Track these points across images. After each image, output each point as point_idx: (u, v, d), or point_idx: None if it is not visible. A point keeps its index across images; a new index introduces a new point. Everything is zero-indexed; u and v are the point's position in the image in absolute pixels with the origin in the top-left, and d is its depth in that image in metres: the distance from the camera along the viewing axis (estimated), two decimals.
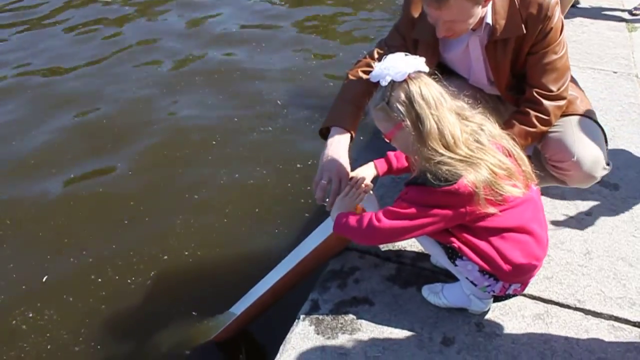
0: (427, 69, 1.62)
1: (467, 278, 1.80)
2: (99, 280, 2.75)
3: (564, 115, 2.06)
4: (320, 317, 1.95)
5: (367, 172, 2.02)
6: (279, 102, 4.26)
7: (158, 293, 2.67)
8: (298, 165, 3.54)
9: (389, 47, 2.10)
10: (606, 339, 1.85)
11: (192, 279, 2.73)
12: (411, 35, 2.07)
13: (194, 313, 2.55)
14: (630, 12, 4.91)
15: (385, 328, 1.89)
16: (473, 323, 1.91)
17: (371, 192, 1.96)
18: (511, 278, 1.76)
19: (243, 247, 2.91)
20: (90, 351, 2.43)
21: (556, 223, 2.35)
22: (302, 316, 1.96)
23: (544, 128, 2.00)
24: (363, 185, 1.93)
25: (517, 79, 2.04)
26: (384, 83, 1.60)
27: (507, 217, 1.66)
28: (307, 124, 4.00)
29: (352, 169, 2.02)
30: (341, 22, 5.88)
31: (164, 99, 4.36)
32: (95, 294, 2.68)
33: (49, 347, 2.44)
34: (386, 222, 1.67)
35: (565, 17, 3.91)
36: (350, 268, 2.16)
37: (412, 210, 1.63)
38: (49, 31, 5.75)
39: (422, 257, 2.18)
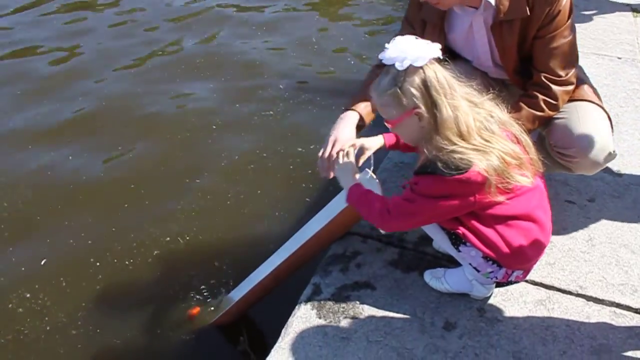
0: (441, 55, 1.58)
1: (470, 264, 1.79)
2: (98, 263, 2.75)
3: (569, 100, 2.04)
4: (322, 301, 1.95)
5: (373, 142, 2.00)
6: (280, 86, 4.24)
7: (157, 277, 2.67)
8: (299, 149, 3.52)
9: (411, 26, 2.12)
10: (608, 326, 1.85)
11: (192, 263, 2.73)
12: (418, 18, 2.06)
13: (193, 297, 2.55)
14: None
15: (387, 312, 1.89)
16: (475, 308, 1.91)
17: (373, 175, 1.94)
18: (514, 265, 1.76)
19: (243, 231, 2.90)
20: (88, 334, 2.43)
21: (559, 209, 2.34)
22: (303, 300, 1.96)
23: (551, 113, 1.99)
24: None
25: (524, 63, 2.02)
26: (401, 67, 1.55)
27: (514, 205, 1.65)
28: (309, 107, 3.98)
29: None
30: (343, 5, 5.83)
31: (163, 83, 4.33)
32: (94, 278, 2.68)
33: (47, 328, 2.45)
34: (396, 216, 1.68)
35: None
36: (352, 252, 2.15)
37: (422, 203, 1.62)
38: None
39: (425, 241, 2.17)
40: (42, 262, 2.76)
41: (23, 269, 2.74)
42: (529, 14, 1.88)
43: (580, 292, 1.96)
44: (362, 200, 1.78)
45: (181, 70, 4.53)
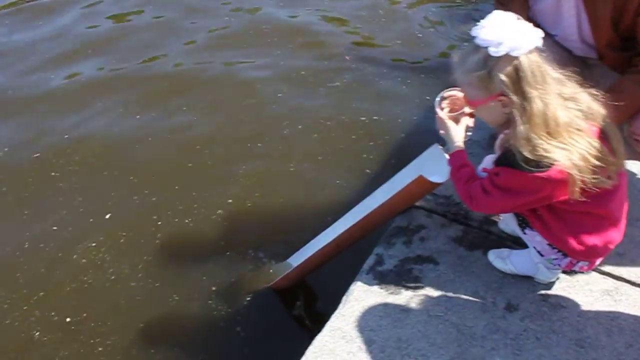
0: (541, 44, 1.48)
1: (534, 247, 1.76)
2: (160, 222, 2.84)
3: None
4: (384, 272, 1.96)
5: None
6: (347, 57, 4.20)
7: (216, 237, 2.74)
8: (362, 118, 3.51)
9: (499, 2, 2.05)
10: None
11: (252, 225, 2.79)
12: None
13: (254, 259, 2.61)
14: None
15: (448, 288, 1.89)
16: (538, 292, 1.88)
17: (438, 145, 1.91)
18: (580, 257, 1.71)
19: (304, 198, 2.94)
20: (147, 287, 2.53)
21: (632, 200, 2.22)
22: (366, 270, 1.98)
23: None
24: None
25: (622, 39, 1.92)
26: (495, 53, 1.44)
27: (592, 202, 1.56)
28: (375, 78, 3.95)
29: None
30: None
31: (229, 52, 4.34)
32: (155, 234, 2.78)
33: (109, 279, 2.57)
34: (475, 203, 1.67)
35: None
36: (416, 226, 2.14)
37: (499, 197, 1.59)
38: None
39: (490, 220, 2.14)
40: (107, 216, 2.87)
41: (91, 220, 2.86)
42: None
43: None
44: (456, 174, 1.76)
45: (248, 39, 4.50)
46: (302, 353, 1.77)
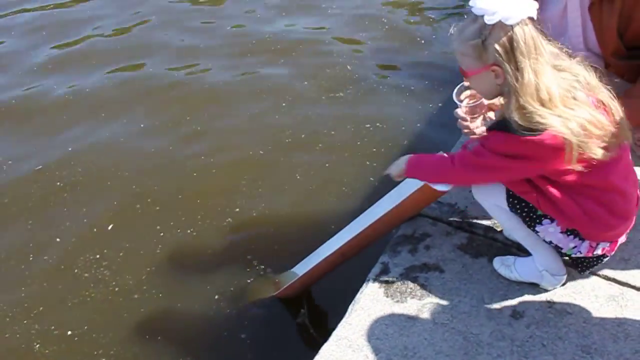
0: (536, 16, 1.50)
1: (551, 242, 1.75)
2: (163, 232, 2.84)
3: None
4: (390, 280, 1.97)
5: None
6: (348, 67, 4.21)
7: (221, 247, 2.75)
8: (367, 125, 3.52)
9: None
10: None
11: (257, 235, 2.80)
12: None
13: (258, 269, 2.62)
14: None
15: (454, 296, 1.89)
16: (544, 299, 1.88)
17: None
18: (596, 235, 1.69)
19: (309, 207, 2.95)
20: (151, 299, 2.53)
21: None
22: (371, 278, 1.98)
23: None
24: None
25: (628, 48, 1.94)
26: (489, 21, 1.47)
27: (592, 174, 1.56)
28: (378, 87, 3.96)
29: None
30: None
31: (231, 62, 4.35)
32: (159, 244, 2.78)
33: (112, 291, 2.57)
34: (459, 167, 1.66)
35: None
36: (421, 234, 2.15)
37: (490, 159, 1.59)
38: None
39: (495, 228, 2.15)
40: (110, 227, 2.87)
41: (94, 230, 2.87)
42: None
43: None
44: (418, 163, 1.79)
45: (251, 51, 4.52)
46: None
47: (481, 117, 1.84)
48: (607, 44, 1.94)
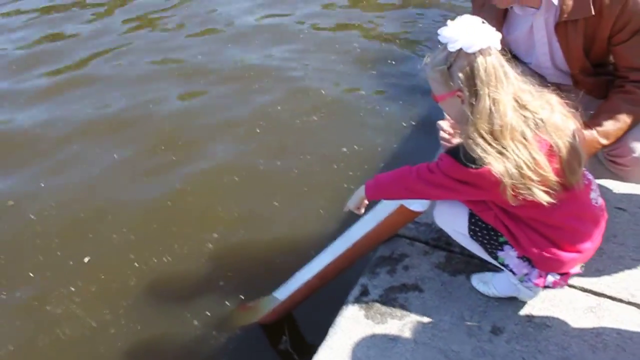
0: (499, 47, 1.55)
1: (507, 266, 1.78)
2: (139, 262, 2.81)
3: None
4: (370, 302, 1.97)
5: None
6: (322, 91, 4.25)
7: (199, 276, 2.72)
8: (343, 149, 3.54)
9: None
10: None
11: (235, 262, 2.78)
12: (479, 17, 2.06)
13: (238, 295, 2.60)
14: None
15: (434, 315, 1.90)
16: (523, 313, 1.90)
17: None
18: (545, 268, 1.73)
19: (288, 232, 2.94)
20: (129, 332, 2.48)
21: (609, 216, 2.25)
22: (351, 300, 1.99)
23: None
24: None
25: (594, 66, 1.99)
26: (452, 49, 1.54)
27: (539, 211, 1.60)
28: (353, 109, 4.01)
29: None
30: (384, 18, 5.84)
31: (203, 93, 4.36)
32: (136, 275, 2.75)
33: (88, 327, 2.51)
34: (418, 179, 1.71)
35: None
36: (399, 254, 2.16)
37: (440, 178, 1.64)
38: None
39: None
40: (86, 260, 2.84)
41: (70, 263, 2.83)
42: (593, 13, 1.84)
43: (631, 300, 1.93)
44: (377, 183, 1.85)
45: (222, 77, 4.54)
46: None
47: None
48: (574, 62, 1.99)
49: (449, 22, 1.57)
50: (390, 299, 1.97)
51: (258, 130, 3.79)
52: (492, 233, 1.75)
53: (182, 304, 2.59)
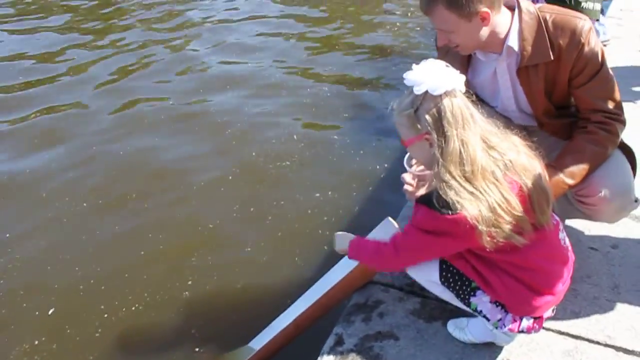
0: (464, 89, 1.58)
1: (480, 312, 1.76)
2: (107, 313, 2.73)
3: None
4: (345, 351, 1.92)
5: None
6: (294, 136, 4.27)
7: (170, 328, 2.65)
8: (316, 195, 3.53)
9: None
10: None
11: (209, 312, 2.72)
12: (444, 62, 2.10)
13: (213, 347, 2.52)
14: None
15: None
16: (500, 359, 1.87)
17: (394, 222, 1.95)
18: (518, 311, 1.73)
19: (262, 280, 2.89)
20: None
21: (582, 256, 2.30)
22: (326, 351, 1.94)
23: (610, 151, 1.97)
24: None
25: (557, 107, 2.03)
26: (417, 92, 1.55)
27: (512, 253, 1.61)
28: (325, 153, 4.02)
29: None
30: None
31: (172, 140, 4.33)
32: (104, 325, 2.66)
33: None
34: (394, 253, 1.72)
35: None
36: (374, 301, 2.13)
37: (418, 238, 1.64)
38: None
39: None
40: (50, 312, 2.74)
41: (36, 314, 2.73)
42: (552, 58, 1.90)
43: (608, 342, 1.92)
44: (358, 248, 1.88)
45: (186, 124, 4.53)
46: None
47: (427, 185, 1.87)
48: (538, 105, 2.03)
49: (414, 66, 1.60)
50: (366, 348, 1.93)
51: (230, 177, 3.77)
52: (464, 279, 1.74)
53: (153, 355, 2.51)
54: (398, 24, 6.63)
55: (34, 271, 3.02)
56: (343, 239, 1.97)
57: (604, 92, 1.94)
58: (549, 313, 1.79)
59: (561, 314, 2.02)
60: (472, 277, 1.71)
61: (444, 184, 1.52)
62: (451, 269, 1.74)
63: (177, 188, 3.69)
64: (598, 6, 3.14)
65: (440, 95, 1.53)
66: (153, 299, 2.79)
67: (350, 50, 5.96)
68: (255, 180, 3.75)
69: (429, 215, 1.56)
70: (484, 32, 1.89)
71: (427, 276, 1.82)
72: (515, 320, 1.74)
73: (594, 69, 1.91)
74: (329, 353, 1.93)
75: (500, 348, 1.90)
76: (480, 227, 1.49)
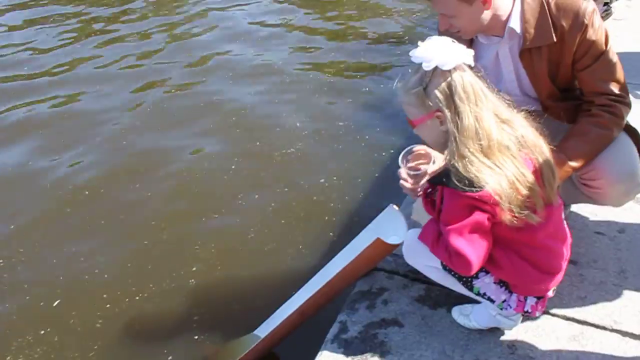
0: (473, 63, 1.56)
1: (485, 295, 1.75)
2: (112, 302, 2.73)
3: None
4: (349, 339, 1.92)
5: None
6: (297, 124, 4.24)
7: (178, 316, 2.65)
8: (321, 181, 3.52)
9: None
10: None
11: (214, 301, 2.72)
12: None
13: (218, 335, 2.53)
14: None
15: (415, 350, 1.85)
16: (506, 345, 1.86)
17: (393, 206, 1.93)
18: (523, 288, 1.72)
19: (266, 268, 2.88)
20: None
21: (588, 241, 2.29)
22: (330, 339, 1.94)
23: (616, 133, 1.95)
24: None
25: (561, 90, 2.00)
26: (427, 67, 1.52)
27: (522, 231, 1.59)
28: (330, 141, 3.99)
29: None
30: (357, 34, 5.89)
31: (177, 129, 4.32)
32: (109, 314, 2.66)
33: None
34: (455, 248, 1.57)
35: None
36: (378, 289, 2.12)
37: (467, 217, 1.54)
38: None
39: None
40: (55, 304, 2.74)
41: (39, 307, 2.73)
42: (555, 40, 1.87)
43: (614, 327, 1.90)
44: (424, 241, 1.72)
45: (194, 116, 4.50)
46: None
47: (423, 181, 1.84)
48: (542, 88, 2.01)
49: (419, 43, 1.57)
50: (370, 335, 1.92)
51: (234, 166, 3.75)
52: None
53: (158, 344, 2.51)
54: (402, 10, 6.56)
55: (38, 263, 3.02)
56: (424, 213, 1.81)
57: (608, 74, 1.92)
58: (549, 293, 1.79)
59: (567, 299, 2.00)
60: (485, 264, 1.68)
61: (465, 159, 1.49)
62: None
63: (180, 177, 3.68)
64: None
65: (450, 71, 1.51)
66: (157, 288, 2.79)
67: (354, 37, 5.89)
68: (260, 167, 3.73)
69: (454, 195, 1.53)
70: (486, 15, 1.87)
71: (427, 261, 1.80)
72: (520, 300, 1.74)
73: (598, 51, 1.88)
74: (333, 341, 1.92)
75: (506, 334, 1.88)
76: (502, 203, 1.48)
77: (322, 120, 4.29)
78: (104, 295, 2.76)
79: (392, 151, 3.76)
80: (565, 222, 1.77)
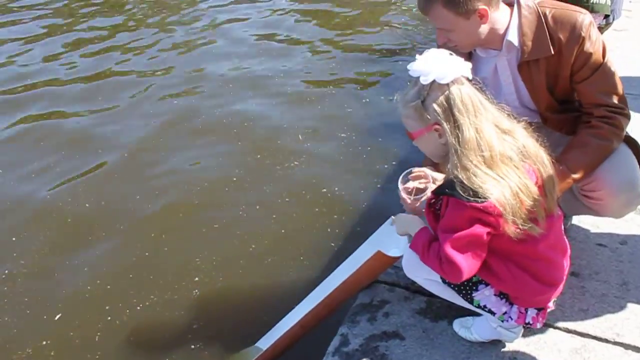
0: (470, 76, 1.57)
1: (485, 307, 1.75)
2: (113, 314, 2.72)
3: None
4: (350, 352, 1.91)
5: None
6: (300, 136, 4.24)
7: (180, 328, 2.64)
8: (323, 191, 3.53)
9: None
10: None
11: (215, 313, 2.71)
12: None
13: (220, 347, 2.52)
14: None
15: None
16: (507, 357, 1.85)
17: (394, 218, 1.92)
18: (523, 300, 1.72)
19: (268, 280, 2.88)
20: None
21: (590, 253, 2.29)
22: (331, 352, 1.93)
23: (616, 145, 1.95)
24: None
25: (560, 102, 2.01)
26: (424, 81, 1.53)
27: (523, 243, 1.58)
28: (333, 153, 3.99)
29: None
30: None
31: (178, 140, 4.32)
32: (110, 326, 2.65)
33: None
34: (448, 256, 1.55)
35: None
36: (379, 301, 2.12)
37: (467, 229, 1.53)
38: None
39: None
40: (57, 317, 2.73)
41: (43, 318, 2.72)
42: (552, 52, 1.88)
43: (617, 339, 1.89)
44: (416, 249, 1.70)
45: (195, 130, 4.49)
46: None
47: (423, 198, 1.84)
48: (540, 101, 2.01)
49: (417, 56, 1.58)
50: (371, 348, 1.92)
51: (235, 178, 3.76)
52: None
53: (159, 356, 2.50)
54: (404, 22, 6.59)
55: (40, 276, 3.01)
56: (408, 223, 1.79)
57: (607, 86, 1.93)
58: (550, 305, 1.78)
59: (569, 311, 2.00)
60: (485, 277, 1.68)
61: (469, 171, 1.49)
62: None
63: (181, 188, 3.68)
64: (608, 0, 3.08)
65: (448, 84, 1.52)
66: (158, 299, 2.79)
67: (355, 49, 5.91)
68: (261, 179, 3.73)
69: (458, 205, 1.52)
70: (483, 29, 1.88)
71: (427, 274, 1.79)
72: (521, 312, 1.73)
73: (596, 63, 1.89)
74: (334, 353, 1.92)
75: (508, 347, 1.88)
76: (506, 214, 1.48)
77: (323, 131, 4.30)
78: (106, 307, 2.75)
79: (394, 162, 3.77)
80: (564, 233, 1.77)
